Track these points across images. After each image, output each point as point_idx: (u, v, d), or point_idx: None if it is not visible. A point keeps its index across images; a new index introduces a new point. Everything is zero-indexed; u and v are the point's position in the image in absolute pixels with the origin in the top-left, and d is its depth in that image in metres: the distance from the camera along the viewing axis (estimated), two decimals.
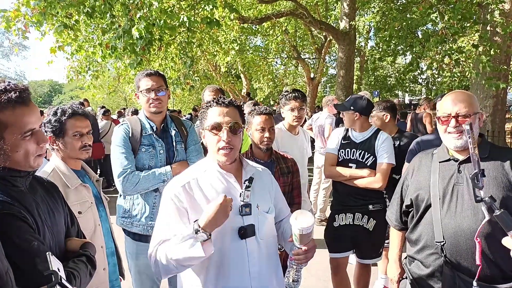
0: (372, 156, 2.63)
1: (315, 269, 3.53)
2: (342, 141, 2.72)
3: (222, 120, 1.44)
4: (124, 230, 2.27)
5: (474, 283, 1.47)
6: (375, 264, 3.08)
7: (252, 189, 1.48)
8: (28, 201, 1.20)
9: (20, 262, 1.06)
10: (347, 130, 2.78)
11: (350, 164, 2.66)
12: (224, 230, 1.41)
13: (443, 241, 1.56)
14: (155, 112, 2.22)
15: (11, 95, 1.12)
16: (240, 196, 1.46)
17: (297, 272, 1.47)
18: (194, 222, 1.31)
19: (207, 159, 1.57)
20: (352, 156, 2.66)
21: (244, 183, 1.49)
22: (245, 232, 1.44)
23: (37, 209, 1.21)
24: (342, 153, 2.70)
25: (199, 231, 1.27)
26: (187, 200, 1.44)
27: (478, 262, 1.46)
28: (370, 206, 2.65)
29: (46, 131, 1.80)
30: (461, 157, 1.63)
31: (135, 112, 7.48)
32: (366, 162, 2.63)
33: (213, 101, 1.50)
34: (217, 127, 1.44)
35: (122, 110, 12.18)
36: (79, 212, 1.74)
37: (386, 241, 3.17)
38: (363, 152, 2.64)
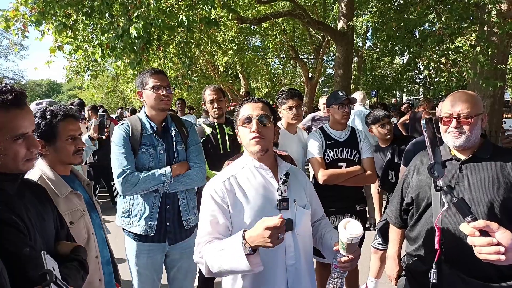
0: (358, 153, 2.67)
1: None
2: (327, 142, 2.67)
3: (252, 112, 1.51)
4: (123, 229, 2.26)
5: (433, 266, 1.52)
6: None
7: (288, 184, 1.52)
8: (18, 205, 1.17)
9: (11, 269, 1.02)
10: (323, 131, 2.73)
11: (339, 164, 2.64)
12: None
13: (442, 240, 1.56)
14: (163, 109, 2.22)
15: (6, 96, 1.10)
16: (277, 191, 1.49)
17: (341, 280, 1.44)
18: (243, 231, 1.29)
19: (244, 157, 1.61)
20: (341, 155, 2.65)
21: (280, 178, 1.52)
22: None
23: (26, 214, 1.18)
24: (330, 154, 2.65)
25: (243, 243, 1.25)
26: (228, 196, 1.48)
27: (436, 246, 1.53)
28: (357, 206, 2.69)
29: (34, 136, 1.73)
30: (463, 157, 1.63)
31: (133, 112, 7.47)
32: (354, 159, 2.66)
33: (245, 100, 1.58)
34: (247, 120, 1.50)
35: (120, 110, 12.15)
36: (71, 222, 1.61)
37: (378, 243, 3.17)
38: (350, 149, 2.66)
